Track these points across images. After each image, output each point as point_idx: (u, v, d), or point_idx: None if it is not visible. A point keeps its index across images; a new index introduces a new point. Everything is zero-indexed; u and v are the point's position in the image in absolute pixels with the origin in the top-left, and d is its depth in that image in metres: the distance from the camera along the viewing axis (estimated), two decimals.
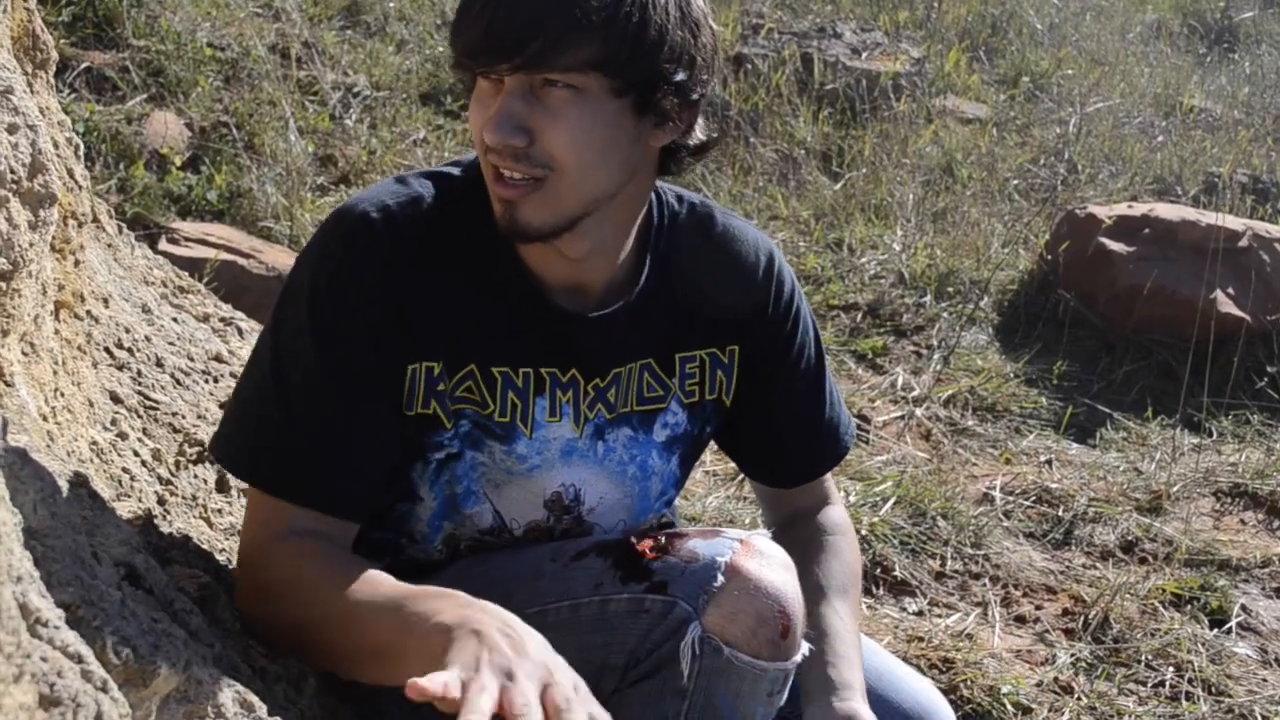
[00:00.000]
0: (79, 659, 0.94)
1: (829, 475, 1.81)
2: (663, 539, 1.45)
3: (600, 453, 1.60)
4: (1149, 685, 2.83)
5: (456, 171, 1.55)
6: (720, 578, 1.38)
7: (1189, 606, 3.15)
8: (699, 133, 1.51)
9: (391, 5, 6.35)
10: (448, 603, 1.27)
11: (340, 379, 1.44)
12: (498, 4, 1.35)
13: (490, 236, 1.48)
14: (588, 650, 1.42)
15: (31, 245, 1.49)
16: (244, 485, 1.84)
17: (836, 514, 1.78)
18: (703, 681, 1.38)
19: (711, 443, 1.78)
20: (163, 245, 4.00)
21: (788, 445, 1.75)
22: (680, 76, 1.41)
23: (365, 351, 1.45)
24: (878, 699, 1.69)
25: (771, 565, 1.40)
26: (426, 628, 1.24)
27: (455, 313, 1.50)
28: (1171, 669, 2.88)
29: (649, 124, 1.44)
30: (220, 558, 1.70)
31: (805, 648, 1.44)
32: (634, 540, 1.47)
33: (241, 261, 4.04)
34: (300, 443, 1.45)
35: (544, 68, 1.36)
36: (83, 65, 4.95)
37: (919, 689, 1.75)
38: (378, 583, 1.36)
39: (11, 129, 1.46)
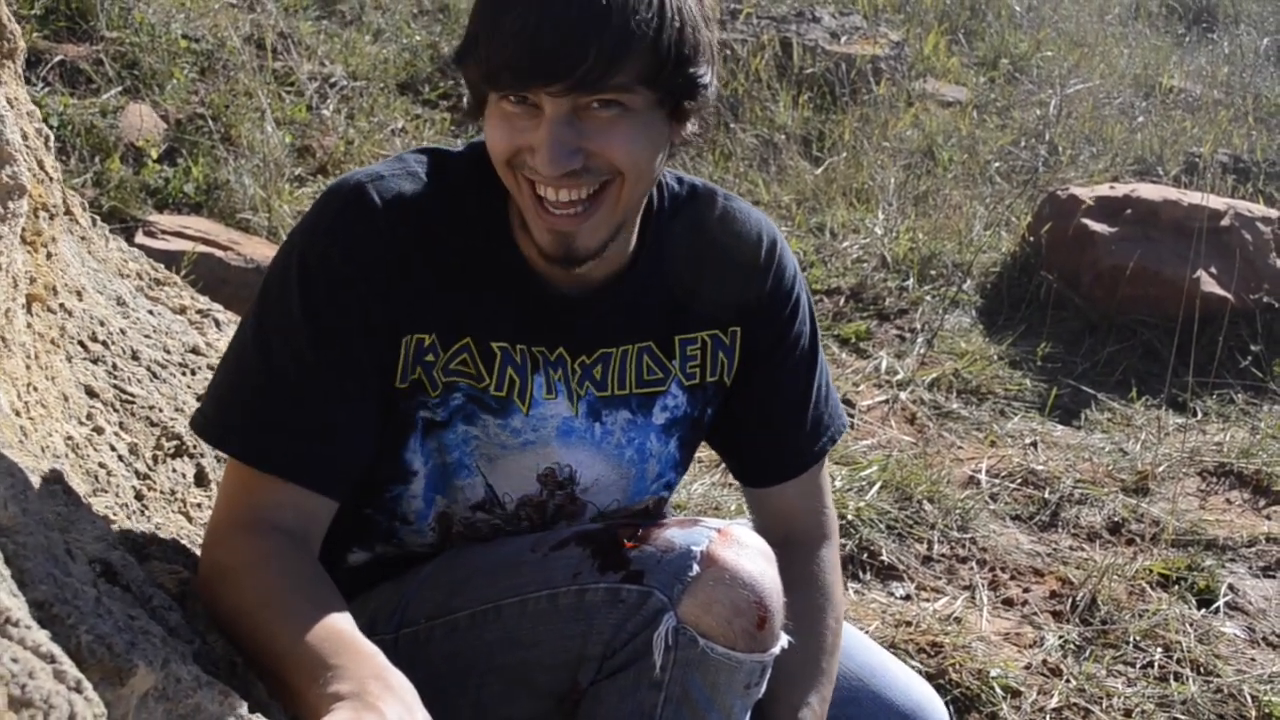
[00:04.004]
0: (51, 659, 0.92)
1: (827, 506, 1.72)
2: (641, 528, 1.43)
3: (598, 435, 1.58)
4: (1137, 666, 2.82)
5: (456, 146, 1.54)
6: (696, 567, 1.35)
7: (1176, 587, 3.15)
8: None
9: None
10: (361, 666, 1.21)
11: (328, 353, 1.42)
12: (540, 20, 1.27)
13: (485, 212, 1.46)
14: (566, 640, 1.41)
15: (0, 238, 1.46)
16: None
17: (826, 560, 1.68)
18: (678, 673, 1.35)
19: None
20: (140, 238, 3.96)
21: (765, 437, 1.69)
22: (708, 77, 1.39)
23: (355, 326, 1.43)
24: (871, 695, 1.67)
25: (749, 554, 1.38)
26: (322, 685, 1.19)
27: (449, 287, 1.48)
28: (1160, 650, 2.87)
29: (676, 124, 1.43)
30: (200, 553, 1.67)
31: (784, 640, 1.41)
32: (614, 529, 1.45)
33: (219, 254, 4.00)
34: (284, 416, 1.42)
35: (595, 88, 1.30)
36: (56, 58, 4.90)
37: (912, 684, 1.73)
38: (320, 615, 1.30)
39: None
